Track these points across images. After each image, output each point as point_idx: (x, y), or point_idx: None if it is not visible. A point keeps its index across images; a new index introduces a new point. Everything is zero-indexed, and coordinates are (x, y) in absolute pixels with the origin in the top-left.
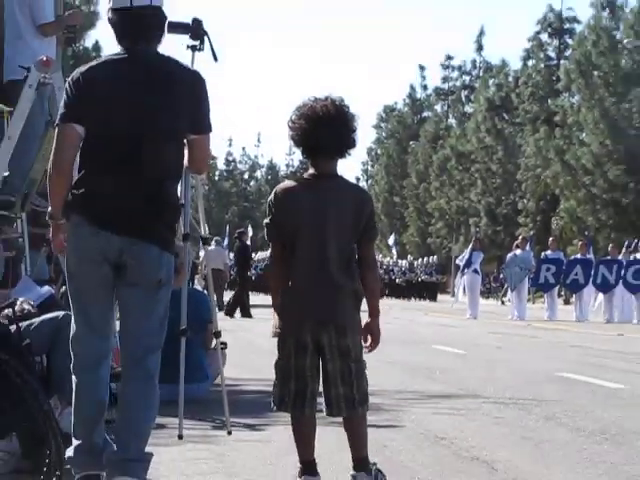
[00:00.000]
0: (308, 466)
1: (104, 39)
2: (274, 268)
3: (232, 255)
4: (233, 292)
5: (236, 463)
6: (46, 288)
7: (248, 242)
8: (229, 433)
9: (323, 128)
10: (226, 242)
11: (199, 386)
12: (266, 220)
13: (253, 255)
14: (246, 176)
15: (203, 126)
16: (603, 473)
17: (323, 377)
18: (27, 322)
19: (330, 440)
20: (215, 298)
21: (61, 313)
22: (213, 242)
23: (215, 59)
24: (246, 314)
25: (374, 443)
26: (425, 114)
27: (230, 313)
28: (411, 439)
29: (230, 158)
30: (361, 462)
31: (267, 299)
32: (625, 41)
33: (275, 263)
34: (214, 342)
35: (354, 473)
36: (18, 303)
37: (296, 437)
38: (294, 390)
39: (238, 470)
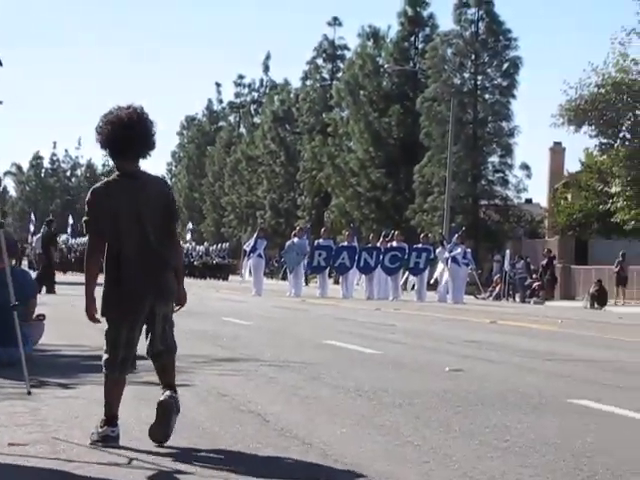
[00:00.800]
0: (112, 419)
1: None
2: (91, 258)
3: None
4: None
5: (48, 416)
6: None
7: (53, 228)
8: (29, 393)
9: (127, 132)
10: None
11: (20, 350)
12: (85, 218)
13: (75, 240)
14: (68, 173)
15: None
16: (355, 423)
17: (150, 337)
18: None
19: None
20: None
21: None
22: (42, 229)
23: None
24: (51, 290)
25: None
26: (221, 123)
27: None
28: (199, 396)
29: (55, 158)
30: (171, 386)
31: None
32: (386, 66)
33: (92, 254)
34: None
35: (165, 391)
36: None
37: (110, 395)
38: (122, 356)
39: (50, 422)
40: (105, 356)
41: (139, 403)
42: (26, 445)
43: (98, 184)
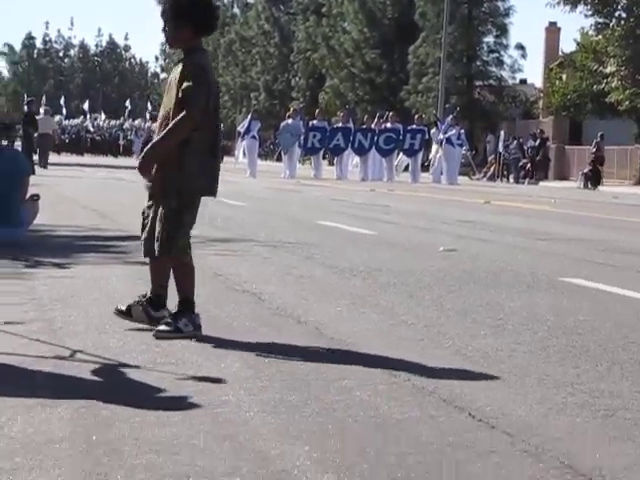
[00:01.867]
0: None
1: None
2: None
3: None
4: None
5: (44, 295)
6: None
7: (36, 109)
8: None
9: (215, 7)
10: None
11: (15, 230)
12: (194, 93)
13: (69, 121)
14: (61, 54)
15: None
16: (351, 302)
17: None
18: None
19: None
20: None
21: None
22: (42, 110)
23: None
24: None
25: None
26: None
27: None
28: None
29: (47, 38)
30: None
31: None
32: None
33: (192, 130)
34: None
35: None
36: None
37: (193, 280)
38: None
39: (45, 301)
40: (181, 239)
41: (135, 283)
42: (22, 323)
43: (203, 59)
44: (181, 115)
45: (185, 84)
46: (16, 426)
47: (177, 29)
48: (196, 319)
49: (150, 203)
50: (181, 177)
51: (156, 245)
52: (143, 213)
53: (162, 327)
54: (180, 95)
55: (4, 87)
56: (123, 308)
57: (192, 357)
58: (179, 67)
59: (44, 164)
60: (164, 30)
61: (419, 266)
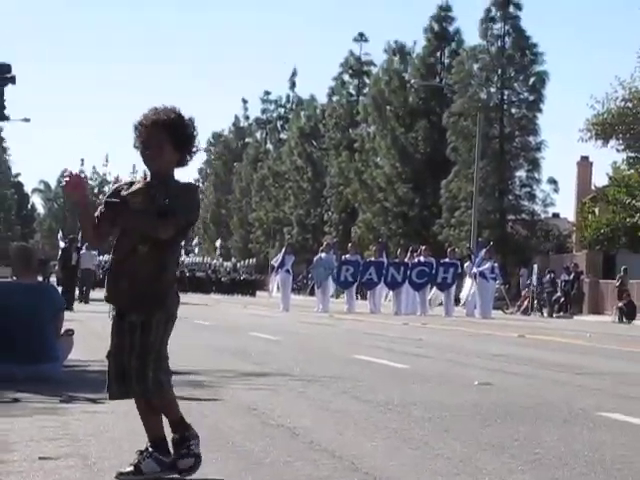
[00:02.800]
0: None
1: None
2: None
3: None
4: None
5: (78, 431)
6: None
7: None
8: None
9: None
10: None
11: (51, 366)
12: (187, 218)
13: (103, 257)
14: (96, 190)
15: None
16: (386, 437)
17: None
18: None
19: None
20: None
21: None
22: (84, 247)
23: None
24: (69, 307)
25: (196, 414)
26: (247, 140)
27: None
28: (228, 410)
29: (82, 175)
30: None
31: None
32: (412, 81)
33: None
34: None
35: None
36: None
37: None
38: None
39: (80, 436)
40: (163, 370)
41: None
42: (57, 459)
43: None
44: (165, 219)
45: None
46: None
47: (173, 153)
48: (164, 458)
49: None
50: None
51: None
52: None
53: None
54: (168, 203)
55: (39, 224)
56: (129, 469)
57: None
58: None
59: (86, 299)
60: (150, 147)
61: (454, 400)
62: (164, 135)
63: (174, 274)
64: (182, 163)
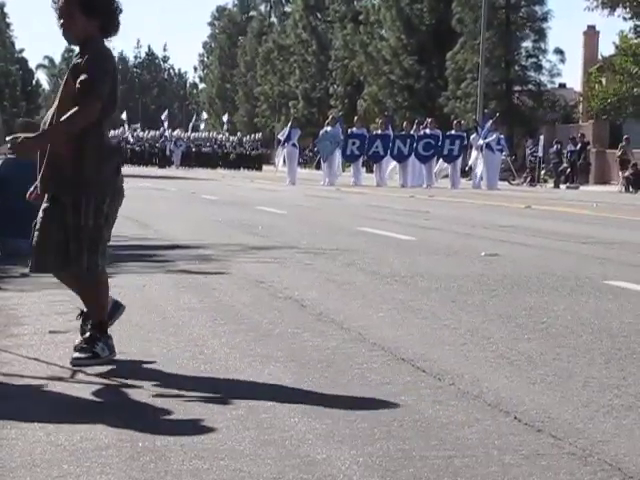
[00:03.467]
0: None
1: None
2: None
3: None
4: None
5: None
6: None
7: None
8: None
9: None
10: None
11: None
12: (97, 81)
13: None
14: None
15: None
16: (392, 308)
17: None
18: None
19: None
20: None
21: None
22: None
23: None
24: None
25: (205, 287)
26: (251, 13)
27: None
28: (236, 283)
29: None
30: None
31: None
32: None
33: (90, 121)
34: None
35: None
36: None
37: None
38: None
39: None
40: (99, 253)
41: (178, 291)
42: (67, 333)
43: (104, 47)
44: (81, 105)
45: (83, 76)
46: (63, 434)
47: (86, 19)
48: (110, 341)
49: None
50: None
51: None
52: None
53: (78, 354)
54: (79, 86)
55: (45, 100)
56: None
57: (235, 363)
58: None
59: None
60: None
61: (461, 271)
62: (72, 1)
63: (101, 153)
64: (106, 29)
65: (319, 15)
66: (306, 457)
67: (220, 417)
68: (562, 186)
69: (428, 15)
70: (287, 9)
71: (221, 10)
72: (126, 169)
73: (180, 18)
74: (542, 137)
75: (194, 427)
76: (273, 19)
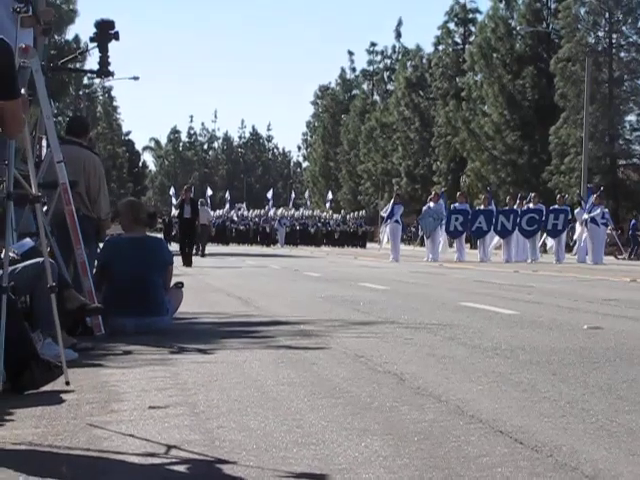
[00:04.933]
0: None
1: (83, 32)
2: None
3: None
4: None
5: (188, 380)
6: (27, 239)
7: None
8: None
9: None
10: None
11: (161, 319)
12: None
13: (215, 212)
14: (205, 146)
15: (9, 92)
16: (492, 380)
17: None
18: (11, 267)
19: None
20: (202, 247)
21: (41, 259)
22: (199, 202)
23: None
24: (187, 263)
25: (304, 362)
26: (354, 92)
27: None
28: (335, 358)
29: (192, 131)
30: None
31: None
32: (518, 27)
33: None
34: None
35: None
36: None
37: None
38: None
39: (189, 385)
40: None
41: (277, 366)
42: (166, 408)
43: None
44: None
45: None
46: None
47: None
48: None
49: None
50: None
51: None
52: None
53: None
54: None
55: (151, 181)
56: None
57: (333, 436)
58: None
59: (202, 253)
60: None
61: (562, 344)
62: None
63: None
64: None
65: (421, 92)
66: None
67: None
68: None
69: (530, 91)
70: (389, 87)
71: (324, 89)
72: (230, 248)
73: (284, 98)
74: None
75: None
76: (376, 97)
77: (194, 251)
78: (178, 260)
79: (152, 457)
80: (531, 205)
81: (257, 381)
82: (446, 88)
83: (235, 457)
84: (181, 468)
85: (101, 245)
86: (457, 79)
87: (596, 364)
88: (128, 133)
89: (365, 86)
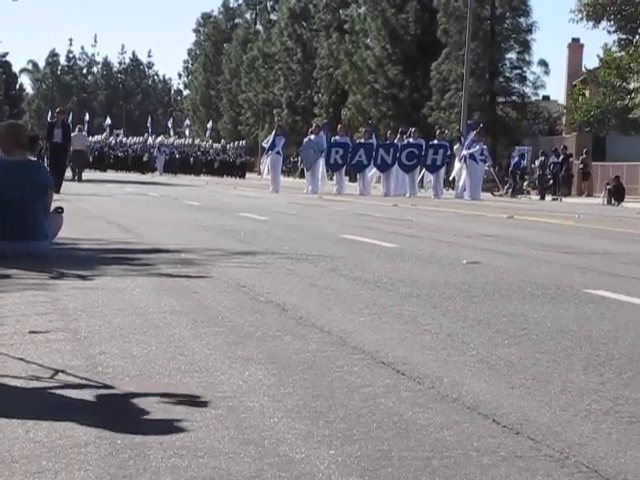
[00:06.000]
0: None
1: None
2: None
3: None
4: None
5: (69, 306)
6: None
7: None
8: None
9: None
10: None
11: (40, 243)
12: None
13: (92, 138)
14: (84, 71)
15: None
16: (374, 313)
17: None
18: None
19: None
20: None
21: None
22: (77, 129)
23: None
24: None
25: (186, 290)
26: (237, 21)
27: None
28: (217, 287)
29: (71, 55)
30: None
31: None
32: None
33: None
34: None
35: None
36: None
37: None
38: None
39: (70, 311)
40: None
41: (159, 294)
42: (47, 333)
43: None
44: None
45: None
46: (42, 430)
47: None
48: None
49: None
50: None
51: None
52: None
53: None
54: None
55: (28, 104)
56: None
57: (216, 364)
58: None
59: (79, 179)
60: None
61: (442, 278)
62: None
63: None
64: None
65: (305, 24)
66: (285, 456)
67: (200, 416)
68: (545, 198)
69: (413, 25)
70: (273, 17)
71: (206, 17)
72: (108, 174)
73: (165, 24)
74: (526, 148)
75: (174, 426)
76: (258, 27)
77: (71, 177)
78: None
79: (33, 381)
80: (411, 140)
81: (139, 308)
82: (329, 20)
83: (118, 383)
84: (63, 393)
85: None
86: (341, 11)
87: (475, 298)
88: (5, 55)
89: (248, 15)
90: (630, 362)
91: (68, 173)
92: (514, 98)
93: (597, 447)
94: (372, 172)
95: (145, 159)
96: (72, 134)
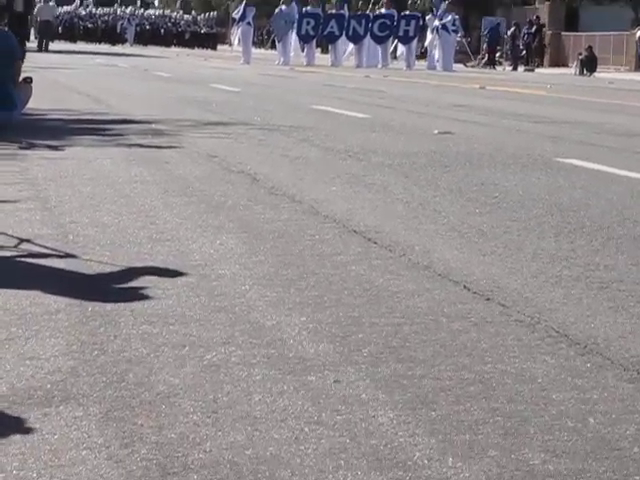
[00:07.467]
0: None
1: None
2: None
3: None
4: None
5: (38, 176)
6: None
7: None
8: None
9: None
10: None
11: (9, 113)
12: None
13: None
14: None
15: None
16: (345, 182)
17: None
18: None
19: None
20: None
21: None
22: None
23: None
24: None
25: (157, 161)
26: None
27: None
28: (188, 157)
29: None
30: None
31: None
32: None
33: None
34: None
35: None
36: None
37: None
38: None
39: (40, 181)
40: None
41: (129, 164)
42: (16, 202)
43: None
44: None
45: None
46: (12, 298)
47: None
48: None
49: None
50: None
51: None
52: None
53: None
54: None
55: None
56: None
57: (187, 233)
58: None
59: (45, 49)
60: None
61: (414, 148)
62: None
63: None
64: None
65: None
66: (256, 323)
67: (171, 284)
68: (519, 68)
69: None
70: None
71: None
72: (78, 45)
73: None
74: (500, 19)
75: (144, 293)
76: None
77: (37, 48)
78: None
79: (2, 250)
80: (383, 10)
81: (109, 178)
82: None
83: (89, 252)
84: (34, 261)
85: None
86: None
87: (447, 168)
88: None
89: None
90: (601, 229)
91: (34, 44)
92: None
93: (567, 312)
94: (348, 49)
95: (116, 30)
96: (38, 4)
